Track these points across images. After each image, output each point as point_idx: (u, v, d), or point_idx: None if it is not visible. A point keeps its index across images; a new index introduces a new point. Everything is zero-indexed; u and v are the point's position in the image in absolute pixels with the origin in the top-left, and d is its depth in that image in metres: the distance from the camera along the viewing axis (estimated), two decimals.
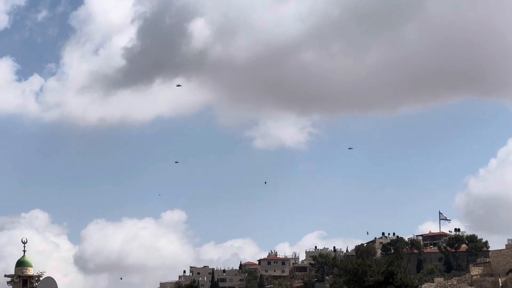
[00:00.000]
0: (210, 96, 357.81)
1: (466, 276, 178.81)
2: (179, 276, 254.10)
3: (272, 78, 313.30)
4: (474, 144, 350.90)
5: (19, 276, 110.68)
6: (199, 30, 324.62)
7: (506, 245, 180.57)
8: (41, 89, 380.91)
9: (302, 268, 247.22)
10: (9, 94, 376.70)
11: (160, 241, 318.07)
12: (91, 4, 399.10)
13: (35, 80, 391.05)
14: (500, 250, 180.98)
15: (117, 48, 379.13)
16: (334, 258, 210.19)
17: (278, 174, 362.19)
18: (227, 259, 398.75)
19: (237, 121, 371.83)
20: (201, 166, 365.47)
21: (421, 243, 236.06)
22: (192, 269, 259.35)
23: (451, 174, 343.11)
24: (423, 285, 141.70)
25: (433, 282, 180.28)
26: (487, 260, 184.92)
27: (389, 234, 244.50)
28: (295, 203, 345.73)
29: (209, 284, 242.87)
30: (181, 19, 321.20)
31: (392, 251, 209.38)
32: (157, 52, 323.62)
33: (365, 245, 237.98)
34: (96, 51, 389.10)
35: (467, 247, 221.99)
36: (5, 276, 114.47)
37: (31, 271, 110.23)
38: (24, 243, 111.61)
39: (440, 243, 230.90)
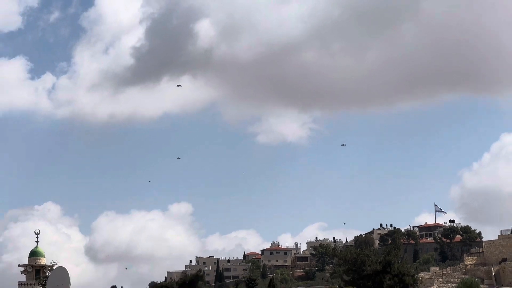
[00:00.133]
0: (215, 94, 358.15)
1: (460, 265, 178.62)
2: (186, 266, 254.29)
3: (274, 76, 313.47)
4: (468, 139, 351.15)
5: (32, 266, 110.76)
6: (205, 30, 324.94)
7: (498, 235, 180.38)
8: (53, 87, 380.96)
9: (303, 258, 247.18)
10: (22, 91, 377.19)
11: (168, 232, 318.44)
12: (101, 6, 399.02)
13: (48, 78, 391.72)
14: (493, 241, 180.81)
15: (126, 47, 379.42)
16: (334, 248, 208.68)
17: (280, 168, 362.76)
18: (232, 250, 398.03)
19: (241, 117, 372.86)
20: (207, 161, 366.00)
21: (417, 234, 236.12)
22: (198, 259, 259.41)
23: (446, 167, 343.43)
24: (419, 274, 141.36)
25: (428, 271, 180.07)
26: (481, 250, 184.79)
27: (386, 225, 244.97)
28: (297, 196, 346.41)
29: (214, 273, 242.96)
30: (187, 20, 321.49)
31: (390, 241, 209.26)
32: (164, 52, 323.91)
33: (363, 236, 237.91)
34: (106, 51, 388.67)
35: (461, 237, 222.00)
36: (19, 265, 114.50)
37: (43, 261, 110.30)
38: (37, 234, 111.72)
39: (436, 234, 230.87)
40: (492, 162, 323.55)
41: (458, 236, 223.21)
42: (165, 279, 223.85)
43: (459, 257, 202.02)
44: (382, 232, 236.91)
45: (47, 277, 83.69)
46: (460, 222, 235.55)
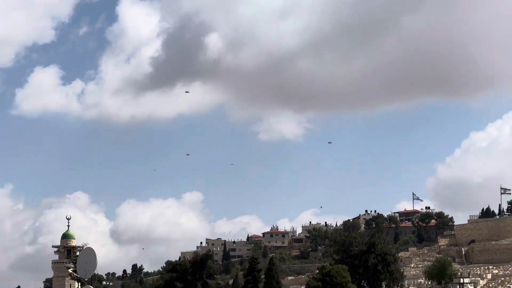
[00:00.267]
0: (222, 97, 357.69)
1: (435, 246, 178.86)
2: (197, 247, 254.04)
3: (274, 82, 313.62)
4: (441, 136, 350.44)
5: (64, 247, 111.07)
6: (214, 42, 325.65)
7: (468, 220, 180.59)
8: (82, 92, 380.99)
9: (299, 240, 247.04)
10: (55, 96, 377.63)
11: (181, 217, 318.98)
12: (124, 21, 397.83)
13: (77, 84, 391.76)
14: (463, 225, 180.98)
15: (145, 57, 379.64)
16: (326, 231, 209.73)
17: (279, 162, 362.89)
18: (237, 233, 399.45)
19: (245, 118, 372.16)
20: (215, 155, 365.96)
21: (398, 219, 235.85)
22: (207, 241, 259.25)
23: (423, 161, 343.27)
24: (399, 254, 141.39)
25: (407, 251, 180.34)
26: (452, 233, 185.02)
27: (371, 211, 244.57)
28: (294, 185, 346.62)
29: (222, 253, 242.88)
30: (199, 34, 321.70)
31: (374, 225, 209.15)
32: (178, 61, 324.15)
33: (351, 220, 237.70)
34: (127, 60, 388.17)
35: (436, 222, 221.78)
36: (53, 246, 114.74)
37: (74, 243, 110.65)
38: (68, 219, 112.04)
39: (414, 219, 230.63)
40: (462, 156, 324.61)
41: (433, 221, 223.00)
42: (179, 258, 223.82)
43: (434, 239, 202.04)
44: (367, 217, 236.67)
45: (77, 256, 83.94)
46: (435, 208, 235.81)
